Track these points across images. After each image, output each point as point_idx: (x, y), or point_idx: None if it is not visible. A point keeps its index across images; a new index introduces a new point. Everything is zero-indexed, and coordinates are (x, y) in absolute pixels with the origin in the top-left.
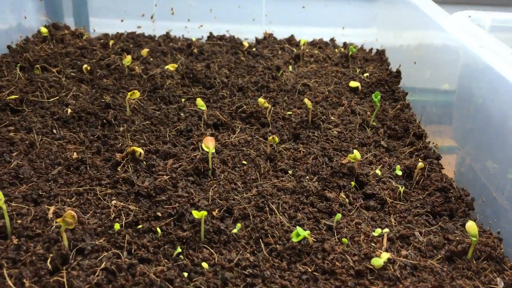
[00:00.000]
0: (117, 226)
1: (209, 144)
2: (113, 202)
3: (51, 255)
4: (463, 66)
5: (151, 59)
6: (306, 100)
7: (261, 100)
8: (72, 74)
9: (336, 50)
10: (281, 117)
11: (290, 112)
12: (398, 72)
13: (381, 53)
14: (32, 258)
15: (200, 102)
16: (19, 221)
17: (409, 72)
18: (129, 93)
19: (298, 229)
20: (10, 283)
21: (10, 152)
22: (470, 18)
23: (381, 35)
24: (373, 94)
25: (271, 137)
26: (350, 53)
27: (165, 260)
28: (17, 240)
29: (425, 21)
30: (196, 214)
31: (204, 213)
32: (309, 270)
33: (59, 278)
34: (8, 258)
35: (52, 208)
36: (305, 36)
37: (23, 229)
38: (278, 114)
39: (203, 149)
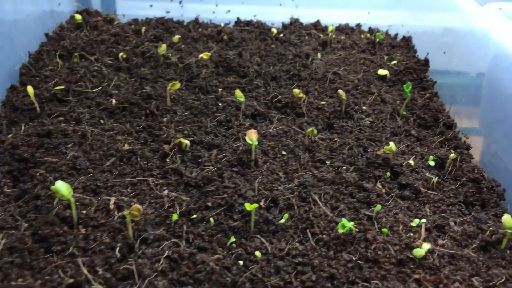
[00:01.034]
0: (174, 217)
1: (252, 137)
2: (165, 192)
3: (118, 244)
4: (493, 57)
5: (183, 46)
6: (340, 92)
7: (296, 91)
8: (109, 62)
9: (362, 36)
10: (315, 107)
11: (323, 102)
12: (426, 60)
13: (407, 39)
14: (101, 247)
15: (239, 93)
16: (84, 211)
17: (434, 58)
18: (170, 84)
19: (344, 221)
20: (85, 271)
21: (66, 144)
22: (501, 10)
23: (406, 19)
24: (404, 85)
25: (309, 129)
26: (377, 40)
27: (220, 249)
28: (84, 229)
29: (453, 7)
30: (248, 206)
31: (256, 205)
32: (354, 258)
33: (128, 266)
34: (79, 247)
35: (112, 199)
36: (330, 18)
37: (88, 219)
38: (312, 104)
39: (244, 140)
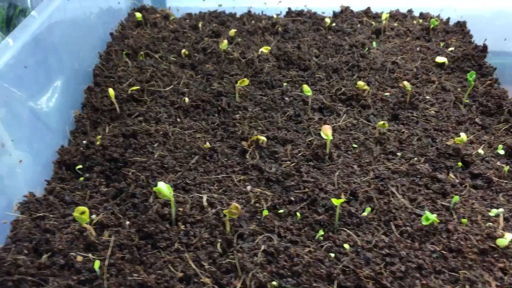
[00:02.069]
0: (265, 212)
1: (328, 132)
2: (248, 187)
3: (218, 240)
4: None
5: (239, 39)
6: (406, 83)
7: (360, 83)
8: (173, 59)
9: (415, 22)
10: (380, 98)
11: (387, 93)
12: (485, 46)
13: (462, 24)
14: (202, 243)
15: (307, 88)
16: (180, 209)
17: (490, 42)
18: (240, 81)
19: (427, 213)
20: (193, 265)
21: (152, 144)
22: None
23: (458, 2)
24: (468, 74)
25: (381, 123)
26: (432, 26)
27: (309, 242)
28: (183, 226)
29: None
30: (335, 201)
31: (342, 200)
32: (438, 249)
33: (230, 260)
34: (182, 243)
35: (204, 197)
36: (377, 2)
37: (186, 216)
38: (377, 96)
39: (316, 134)
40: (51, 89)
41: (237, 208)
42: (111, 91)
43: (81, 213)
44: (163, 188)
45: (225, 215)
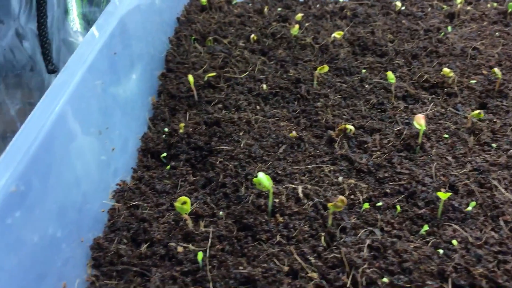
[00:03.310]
0: (366, 205)
1: (421, 122)
2: (340, 179)
3: (320, 233)
4: None
5: (307, 24)
6: (496, 70)
7: (446, 70)
8: (241, 44)
9: (489, 5)
10: (466, 85)
11: (474, 81)
12: None
13: None
14: (304, 236)
15: (391, 75)
16: (276, 200)
17: None
18: (319, 68)
19: None
20: (299, 259)
21: (236, 132)
22: None
23: None
24: None
25: (475, 112)
26: (509, 10)
27: (412, 237)
28: (282, 218)
29: None
30: (442, 195)
31: (448, 194)
32: None
33: (336, 254)
34: (283, 235)
35: (300, 188)
36: None
37: (283, 207)
38: (462, 83)
39: (403, 124)
40: (133, 75)
41: (343, 202)
42: (190, 78)
43: (182, 204)
44: (264, 179)
45: (327, 208)
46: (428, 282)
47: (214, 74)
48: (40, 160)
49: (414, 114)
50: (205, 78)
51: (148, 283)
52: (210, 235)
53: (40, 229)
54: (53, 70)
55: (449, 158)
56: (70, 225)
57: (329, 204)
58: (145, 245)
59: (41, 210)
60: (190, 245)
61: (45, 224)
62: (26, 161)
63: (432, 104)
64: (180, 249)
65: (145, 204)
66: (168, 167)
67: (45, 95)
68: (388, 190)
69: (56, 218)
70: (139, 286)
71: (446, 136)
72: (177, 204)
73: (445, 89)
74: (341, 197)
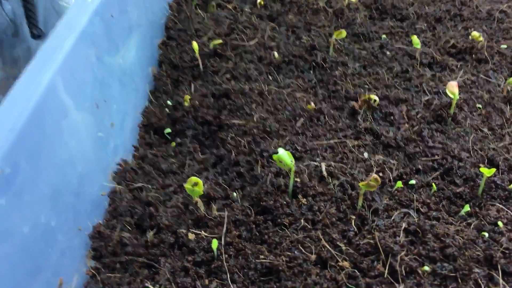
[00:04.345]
0: (399, 184)
1: (454, 90)
2: (365, 155)
3: (350, 216)
4: None
5: None
6: None
7: (475, 34)
8: (247, 10)
9: None
10: (496, 51)
11: (504, 45)
12: None
13: None
14: (331, 219)
15: (416, 40)
16: (297, 179)
17: None
18: (335, 33)
19: None
20: (326, 245)
21: (249, 104)
22: None
23: None
24: None
25: (511, 79)
26: None
27: (452, 219)
28: (304, 199)
29: None
30: (486, 172)
31: (493, 170)
32: None
33: (368, 240)
34: (307, 219)
35: (323, 165)
36: None
37: (306, 187)
38: (493, 48)
39: (432, 93)
40: (131, 43)
41: (377, 181)
42: (195, 45)
43: (194, 185)
44: (285, 155)
45: (355, 188)
46: (476, 270)
47: (220, 41)
48: (28, 138)
49: (443, 82)
50: (211, 46)
51: (157, 275)
52: (225, 220)
53: (31, 218)
54: (38, 35)
55: (485, 130)
56: (65, 211)
57: (361, 184)
58: (152, 232)
59: (31, 196)
60: (202, 232)
61: (36, 212)
62: (12, 139)
63: (461, 71)
64: (191, 236)
65: (149, 186)
66: (173, 144)
67: (30, 65)
68: (420, 167)
69: (50, 205)
70: (147, 279)
71: (480, 106)
72: (187, 185)
73: (474, 55)
74: (374, 175)
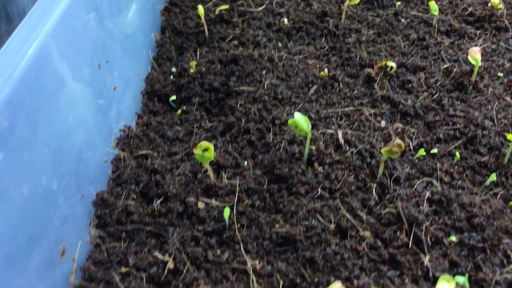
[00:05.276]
0: (421, 152)
1: (477, 56)
2: (382, 123)
3: (372, 185)
4: None
5: None
6: None
7: (495, 1)
8: None
9: None
10: None
11: None
12: None
13: None
14: (350, 188)
15: (434, 6)
16: (312, 147)
17: None
18: (348, 0)
19: None
20: (347, 214)
21: (259, 71)
22: None
23: None
24: None
25: None
26: None
27: (477, 189)
28: (321, 167)
29: None
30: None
31: None
32: None
33: (390, 209)
34: (325, 188)
35: (339, 132)
36: None
37: (322, 155)
38: None
39: (451, 61)
40: (132, 7)
41: (400, 146)
42: (201, 10)
43: (204, 150)
44: (301, 120)
45: (374, 156)
46: (505, 241)
47: (227, 7)
48: (24, 96)
49: (462, 50)
50: (216, 12)
51: (165, 245)
52: (237, 189)
53: (31, 178)
54: None
55: (508, 98)
56: (67, 175)
57: (382, 150)
58: (158, 201)
59: (30, 155)
60: (213, 201)
61: (36, 173)
62: (9, 89)
63: (481, 39)
64: (201, 205)
65: (155, 154)
66: (179, 111)
67: (21, 25)
68: (441, 136)
69: (50, 166)
70: (155, 249)
71: (501, 74)
72: (197, 151)
73: (493, 23)
74: (397, 140)
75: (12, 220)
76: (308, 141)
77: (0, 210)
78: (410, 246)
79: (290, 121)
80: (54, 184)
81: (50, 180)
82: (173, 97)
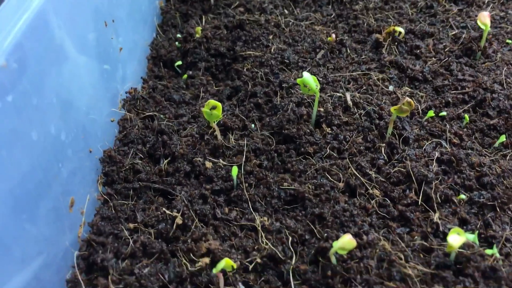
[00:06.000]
0: (430, 113)
1: (486, 21)
2: (390, 88)
3: (380, 145)
4: None
5: None
6: None
7: None
8: None
9: None
10: None
11: None
12: None
13: None
14: (359, 148)
15: None
16: (321, 109)
17: None
18: None
19: None
20: (356, 173)
21: (265, 35)
22: None
23: None
24: None
25: None
26: None
27: (485, 150)
28: (329, 129)
29: None
30: None
31: None
32: None
33: (400, 169)
34: (333, 148)
35: (348, 95)
36: None
37: (330, 116)
38: None
39: (459, 27)
40: None
41: (411, 104)
42: None
43: (212, 109)
44: (310, 79)
45: (383, 118)
46: None
47: None
48: (35, 36)
49: (470, 17)
50: None
51: (173, 202)
52: (245, 149)
53: (40, 125)
54: None
55: None
56: (75, 129)
57: (392, 108)
58: (166, 161)
59: (39, 101)
60: (220, 160)
61: (45, 120)
62: (19, 32)
63: (489, 7)
64: (208, 164)
65: (161, 115)
66: (185, 76)
67: None
68: (450, 100)
69: (59, 117)
70: (162, 206)
71: (509, 41)
72: (205, 109)
73: None
74: (407, 99)
75: (21, 164)
76: (316, 102)
77: (9, 151)
78: (419, 203)
79: (298, 80)
80: (63, 135)
81: (59, 130)
82: (179, 62)
